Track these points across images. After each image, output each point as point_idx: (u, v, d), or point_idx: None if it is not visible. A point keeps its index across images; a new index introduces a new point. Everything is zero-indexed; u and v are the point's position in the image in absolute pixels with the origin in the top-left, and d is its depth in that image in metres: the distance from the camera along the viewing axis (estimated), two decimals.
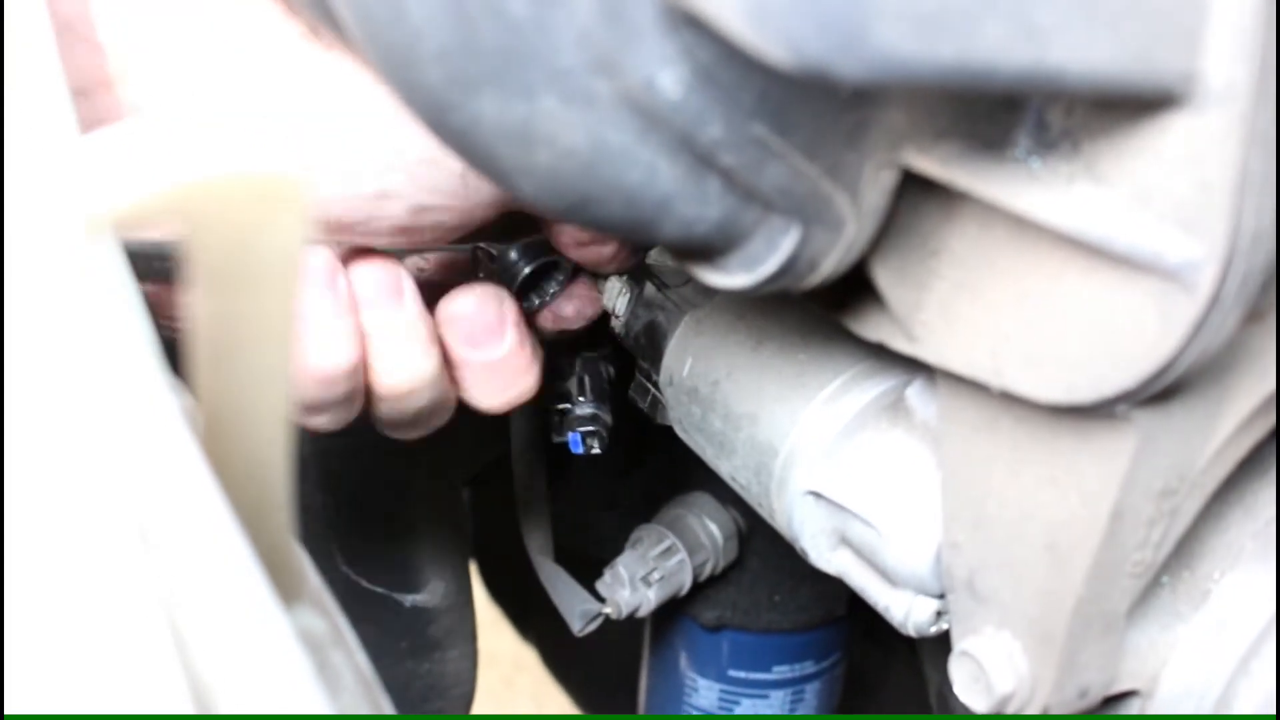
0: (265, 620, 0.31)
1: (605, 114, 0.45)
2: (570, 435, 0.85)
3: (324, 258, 0.67)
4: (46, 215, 0.31)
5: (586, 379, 0.85)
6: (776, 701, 1.14)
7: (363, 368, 0.68)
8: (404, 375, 0.69)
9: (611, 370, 0.86)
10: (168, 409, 0.33)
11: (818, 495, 0.67)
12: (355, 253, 0.68)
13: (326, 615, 0.44)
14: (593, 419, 0.85)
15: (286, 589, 0.39)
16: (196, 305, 0.34)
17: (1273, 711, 0.60)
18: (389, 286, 0.68)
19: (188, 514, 0.30)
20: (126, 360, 0.32)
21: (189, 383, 0.37)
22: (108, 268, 0.35)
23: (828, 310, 0.61)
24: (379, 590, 1.00)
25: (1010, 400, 0.53)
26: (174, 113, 0.30)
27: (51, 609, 0.27)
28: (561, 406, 0.85)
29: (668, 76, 0.44)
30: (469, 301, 0.71)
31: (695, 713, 1.15)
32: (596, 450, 0.85)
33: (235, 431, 0.37)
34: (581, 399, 0.85)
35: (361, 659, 0.45)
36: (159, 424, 0.32)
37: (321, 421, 0.70)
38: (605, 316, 0.81)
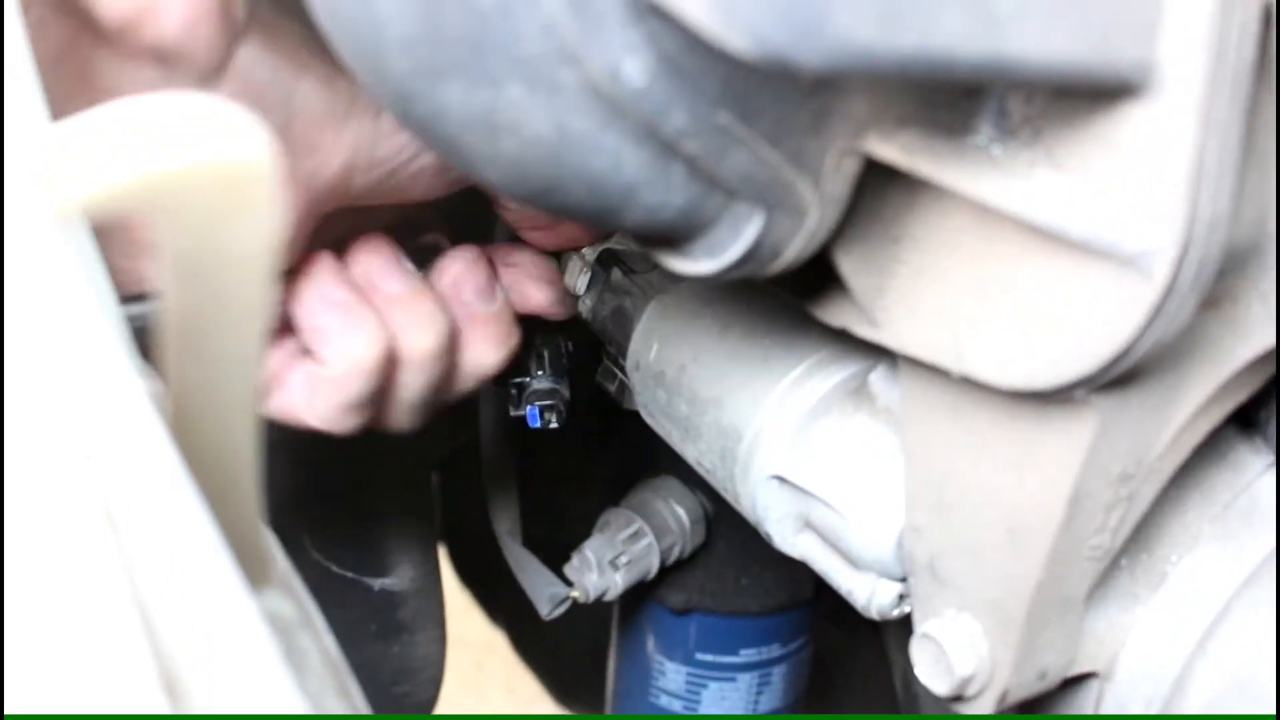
0: (232, 603, 0.31)
1: (570, 102, 0.46)
2: (529, 409, 0.86)
3: (328, 260, 0.70)
4: (13, 203, 0.31)
5: (546, 353, 0.86)
6: (743, 684, 1.15)
7: (390, 351, 0.72)
8: (432, 334, 0.73)
9: (570, 345, 0.87)
10: (136, 394, 0.33)
11: (782, 480, 0.67)
12: (350, 240, 0.71)
13: (294, 599, 0.44)
14: (551, 393, 0.85)
15: (254, 573, 0.40)
16: (166, 291, 0.34)
17: (1229, 695, 0.61)
18: (390, 259, 0.72)
19: (155, 497, 0.31)
20: (94, 345, 0.32)
21: (158, 368, 0.38)
22: (75, 255, 0.35)
23: (792, 296, 0.61)
24: (347, 574, 1.01)
25: (971, 385, 0.54)
26: (142, 99, 0.31)
27: (15, 593, 0.27)
28: (519, 380, 0.86)
29: (632, 65, 0.45)
30: (461, 263, 0.76)
31: (663, 696, 1.15)
32: (554, 424, 0.86)
33: (204, 417, 0.38)
34: (540, 373, 0.86)
35: (330, 642, 0.45)
36: (127, 409, 0.32)
37: (354, 421, 0.73)
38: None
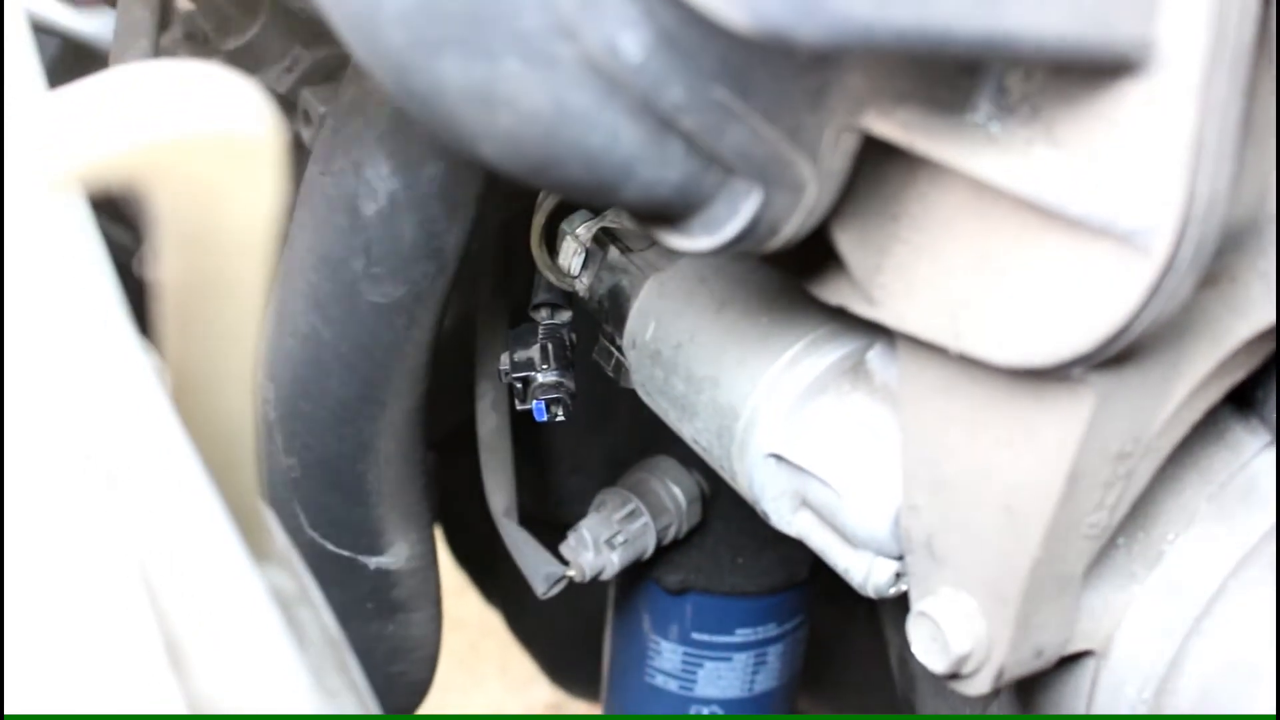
0: (236, 575, 0.31)
1: (567, 76, 0.46)
2: (535, 403, 0.86)
3: None
4: (12, 173, 0.31)
5: (550, 347, 0.86)
6: (739, 664, 1.15)
7: None
8: None
9: (573, 337, 0.87)
10: (138, 367, 0.33)
11: (779, 458, 0.67)
12: None
13: (293, 574, 0.44)
14: (556, 386, 0.86)
15: (254, 547, 0.40)
16: (164, 264, 0.34)
17: (1225, 673, 0.61)
18: None
19: (160, 470, 0.31)
20: (95, 319, 0.32)
21: (157, 342, 0.37)
22: (74, 226, 0.35)
23: (790, 274, 0.61)
24: (344, 553, 1.01)
25: (969, 363, 0.54)
26: (142, 67, 0.31)
27: (21, 566, 0.27)
28: (524, 375, 0.87)
29: (629, 39, 0.44)
30: None
31: (659, 675, 1.16)
32: (561, 417, 0.86)
33: (202, 391, 0.38)
34: (545, 367, 0.86)
35: (328, 617, 0.45)
36: (130, 382, 0.32)
37: None
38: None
